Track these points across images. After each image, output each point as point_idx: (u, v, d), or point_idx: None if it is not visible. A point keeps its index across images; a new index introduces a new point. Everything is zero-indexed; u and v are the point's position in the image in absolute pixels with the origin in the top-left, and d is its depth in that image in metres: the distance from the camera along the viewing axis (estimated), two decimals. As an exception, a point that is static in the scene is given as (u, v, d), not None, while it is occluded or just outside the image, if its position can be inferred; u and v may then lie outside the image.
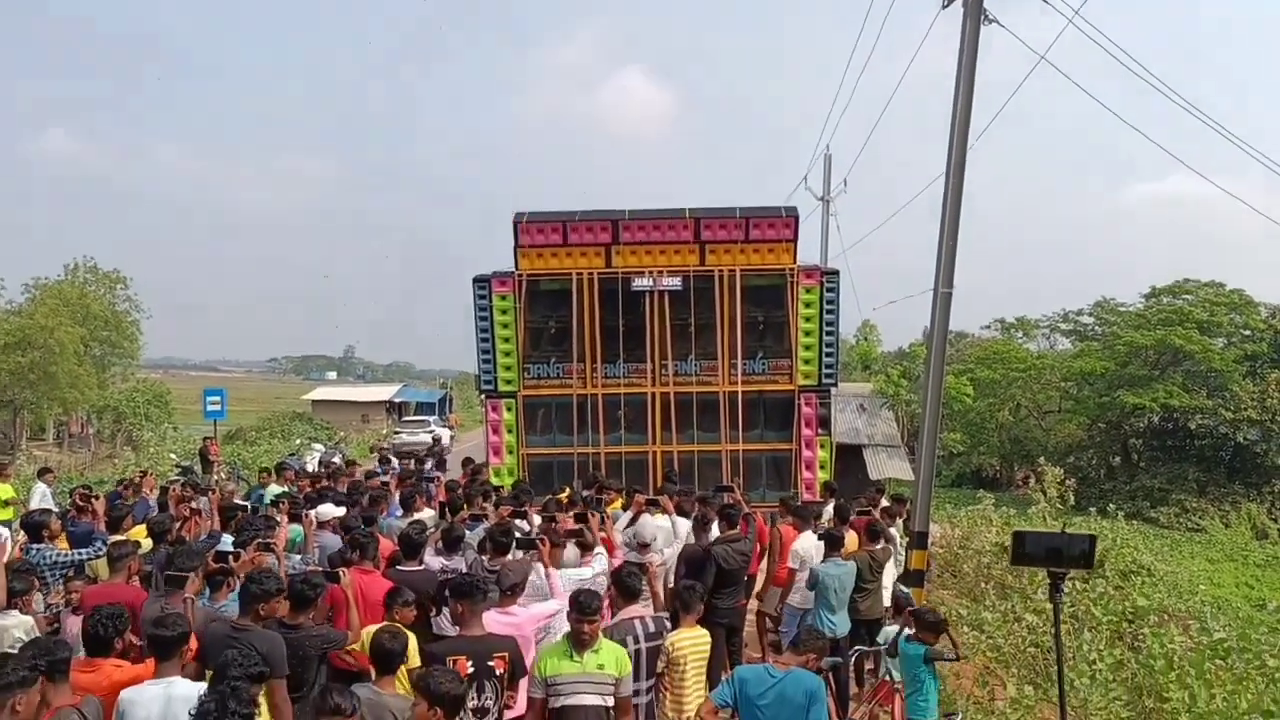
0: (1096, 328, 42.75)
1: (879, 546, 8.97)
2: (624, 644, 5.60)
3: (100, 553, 7.37)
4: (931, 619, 6.97)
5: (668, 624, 5.99)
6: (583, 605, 5.23)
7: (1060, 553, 4.55)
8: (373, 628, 5.46)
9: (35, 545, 7.60)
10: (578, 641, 5.22)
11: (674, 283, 13.74)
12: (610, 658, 5.26)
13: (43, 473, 15.03)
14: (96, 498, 9.55)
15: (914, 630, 7.05)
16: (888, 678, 7.94)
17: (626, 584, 5.92)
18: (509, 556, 6.72)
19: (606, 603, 6.26)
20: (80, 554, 7.59)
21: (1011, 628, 9.62)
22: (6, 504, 13.16)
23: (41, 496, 13.28)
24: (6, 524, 11.69)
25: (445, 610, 6.49)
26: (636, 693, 5.66)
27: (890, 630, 7.98)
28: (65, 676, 4.31)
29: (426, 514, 9.31)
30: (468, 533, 8.33)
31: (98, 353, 38.19)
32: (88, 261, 38.50)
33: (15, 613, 6.39)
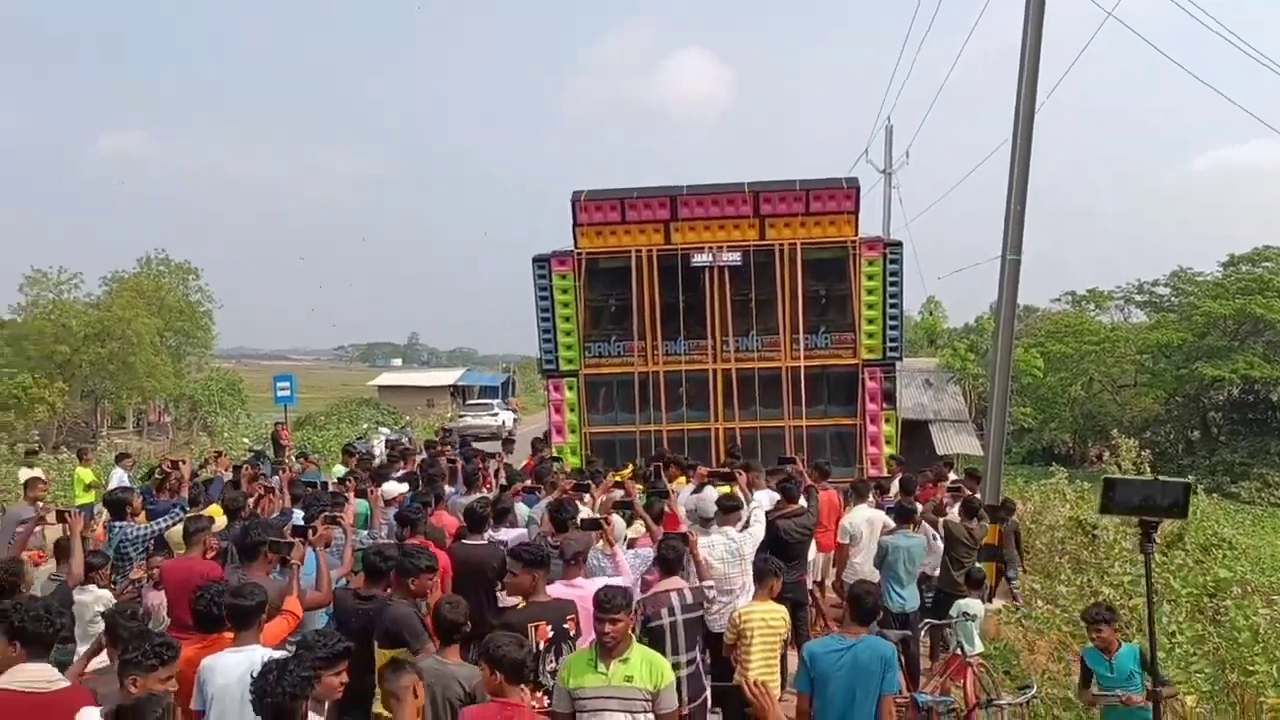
0: (1173, 299, 41.54)
1: (975, 523, 8.84)
2: (659, 616, 5.54)
3: (179, 518, 7.55)
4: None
5: (710, 594, 5.90)
6: (602, 601, 4.54)
7: (1153, 500, 4.35)
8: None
9: (118, 523, 7.80)
10: (602, 647, 4.56)
11: (734, 258, 13.60)
12: (642, 668, 4.53)
13: (121, 458, 15.47)
14: (184, 462, 9.80)
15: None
16: (959, 651, 7.80)
17: (664, 556, 5.88)
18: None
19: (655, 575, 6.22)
20: (159, 524, 7.77)
21: (1088, 601, 9.37)
22: (89, 487, 13.61)
23: (119, 480, 13.68)
24: (89, 506, 12.09)
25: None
26: (676, 666, 5.39)
27: (970, 604, 7.83)
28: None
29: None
30: (526, 509, 8.40)
31: (173, 343, 39.23)
32: (160, 254, 39.55)
33: (93, 587, 6.59)
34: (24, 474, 15.07)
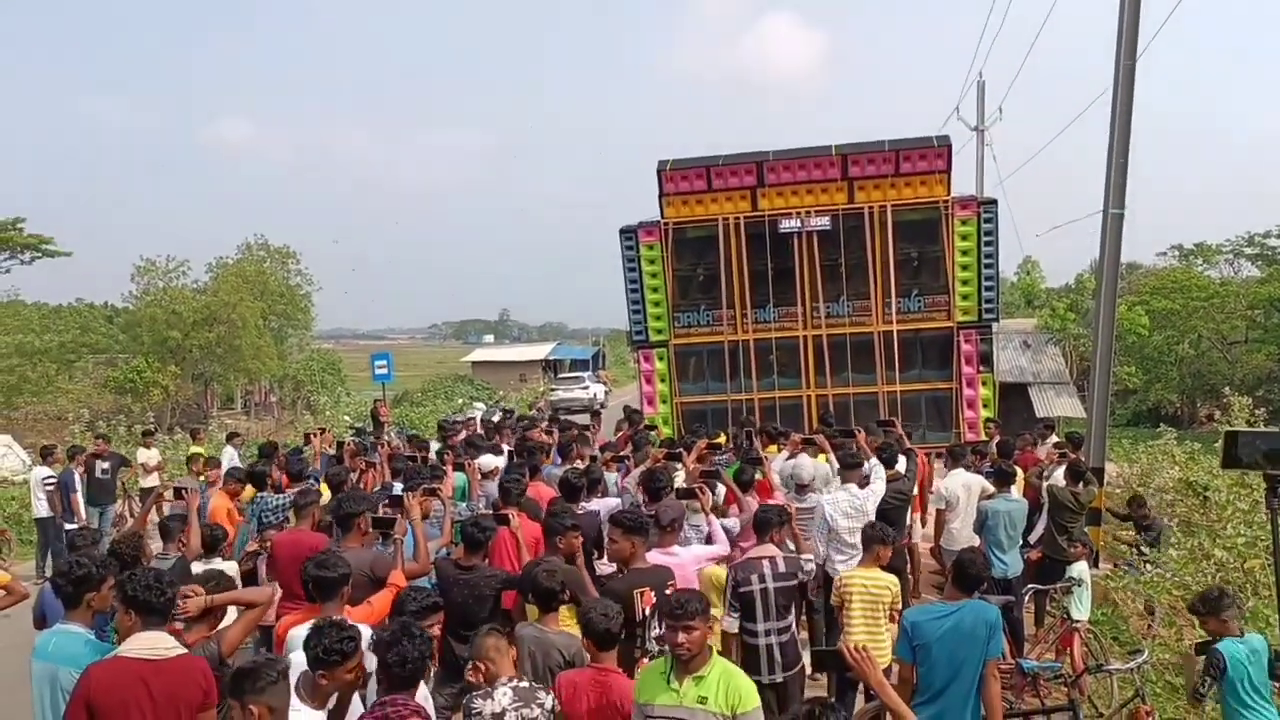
0: (1286, 250, 39.51)
1: (1081, 487, 8.63)
2: (748, 582, 5.54)
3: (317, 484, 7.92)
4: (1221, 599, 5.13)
5: (806, 565, 5.88)
6: (674, 608, 4.05)
7: (1278, 453, 4.17)
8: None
9: (261, 494, 8.15)
10: (677, 660, 4.08)
11: (822, 222, 13.44)
12: (718, 688, 4.02)
13: (231, 437, 16.13)
14: (324, 430, 10.20)
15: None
16: (1065, 617, 7.64)
17: (759, 520, 5.88)
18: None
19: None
20: (290, 495, 8.05)
21: (1200, 564, 9.05)
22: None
23: (230, 459, 14.25)
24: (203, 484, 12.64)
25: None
26: (767, 633, 5.51)
27: (1078, 569, 7.65)
28: None
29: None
30: (618, 477, 8.48)
31: (275, 325, 40.55)
32: (259, 240, 40.82)
33: (219, 559, 6.89)
34: (142, 454, 15.85)
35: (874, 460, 7.74)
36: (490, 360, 58.55)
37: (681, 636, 3.98)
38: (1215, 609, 5.05)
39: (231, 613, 5.03)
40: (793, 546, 6.34)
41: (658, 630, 5.14)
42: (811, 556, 6.14)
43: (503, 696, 4.08)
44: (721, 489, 7.49)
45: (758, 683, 5.49)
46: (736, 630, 5.59)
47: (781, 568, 5.63)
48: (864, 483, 7.54)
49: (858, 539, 7.29)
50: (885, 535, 6.08)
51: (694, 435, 10.23)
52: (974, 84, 27.72)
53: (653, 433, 11.80)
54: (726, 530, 6.64)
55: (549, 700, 4.14)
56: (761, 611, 5.53)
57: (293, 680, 3.78)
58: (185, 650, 4.06)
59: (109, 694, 3.82)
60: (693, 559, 5.99)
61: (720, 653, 5.69)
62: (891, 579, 6.05)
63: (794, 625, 5.75)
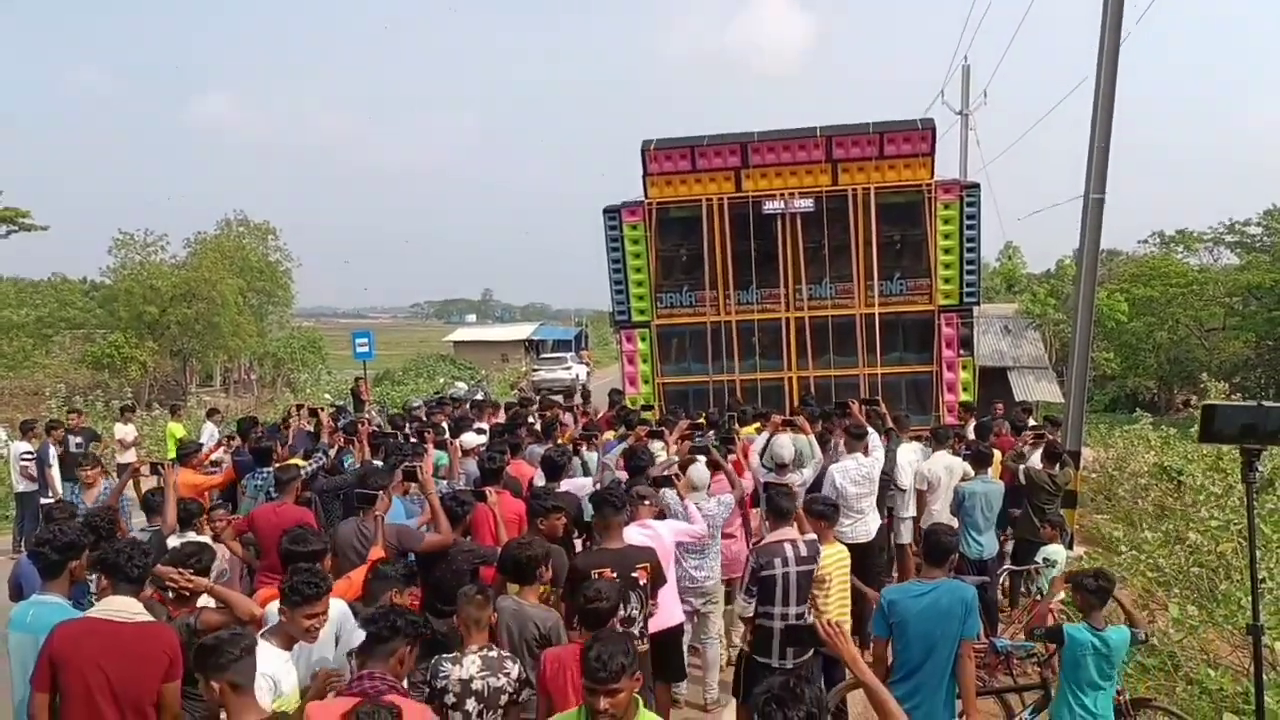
0: (1265, 238, 39.78)
1: (1058, 469, 8.72)
2: (771, 566, 5.58)
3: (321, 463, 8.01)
4: (1099, 585, 5.26)
5: (821, 548, 5.92)
6: (593, 669, 3.29)
7: (1255, 427, 4.21)
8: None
9: (262, 469, 8.11)
10: None
11: (806, 204, 13.43)
12: None
13: (211, 413, 16.07)
14: (322, 409, 10.19)
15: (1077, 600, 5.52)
16: (1038, 596, 7.73)
17: (777, 504, 5.87)
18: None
19: (758, 523, 6.31)
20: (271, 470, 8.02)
21: (1173, 548, 9.16)
22: (180, 441, 14.16)
23: (210, 435, 14.20)
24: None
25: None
26: (784, 617, 5.56)
27: (1052, 550, 7.74)
28: None
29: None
30: (595, 456, 8.48)
31: (255, 302, 40.25)
32: (239, 215, 40.45)
33: (192, 534, 6.85)
34: (119, 430, 15.77)
35: (871, 430, 7.93)
36: (472, 340, 58.40)
37: (604, 703, 3.28)
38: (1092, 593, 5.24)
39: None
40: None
41: (622, 612, 5.13)
42: (815, 536, 6.12)
43: (471, 664, 4.13)
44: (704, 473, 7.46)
45: (767, 665, 5.54)
46: (751, 615, 5.61)
47: (803, 551, 5.66)
48: (867, 452, 7.78)
49: (864, 504, 7.56)
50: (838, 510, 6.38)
51: (674, 415, 10.26)
52: (959, 68, 27.74)
53: (647, 413, 11.81)
54: (709, 515, 6.66)
55: (515, 669, 4.18)
56: (781, 595, 5.55)
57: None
58: (153, 620, 4.08)
59: (71, 650, 3.86)
60: (670, 532, 6.02)
61: (743, 636, 5.76)
62: (845, 550, 6.25)
63: (808, 610, 5.77)
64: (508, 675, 4.14)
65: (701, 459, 7.11)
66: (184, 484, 7.76)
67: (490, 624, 4.39)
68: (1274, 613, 7.35)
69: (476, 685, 4.09)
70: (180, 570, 4.52)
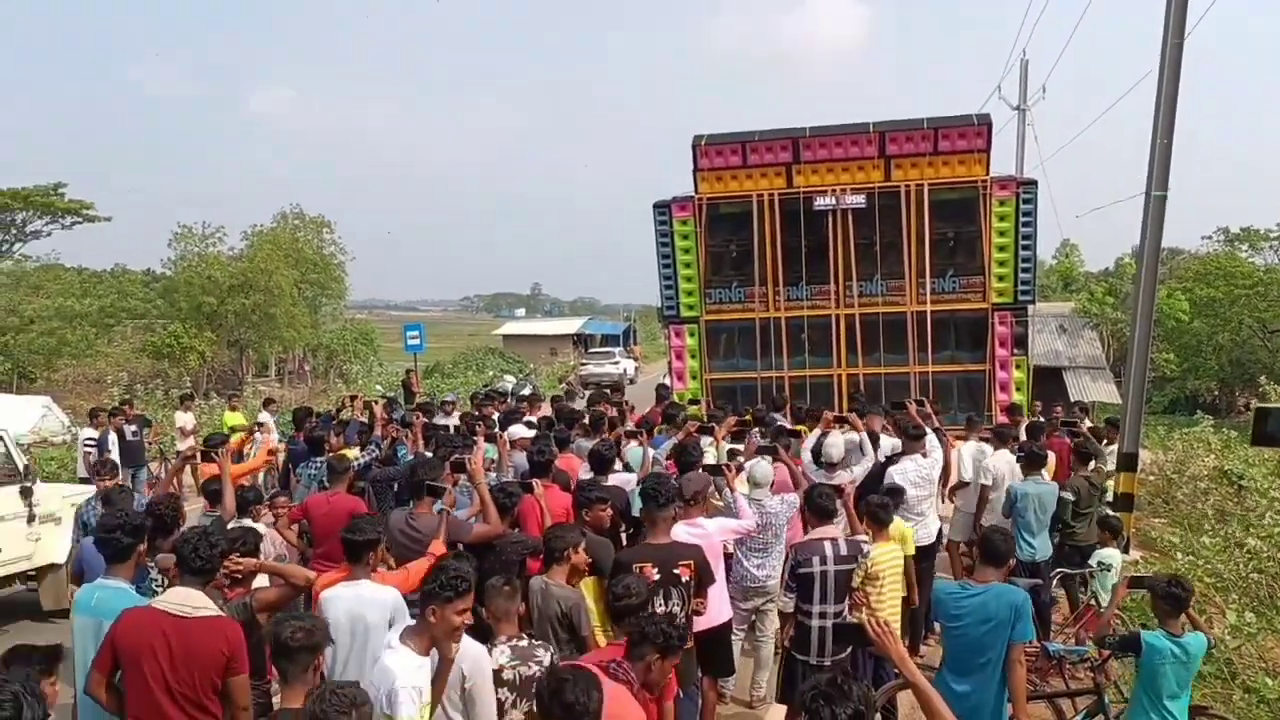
0: (1334, 237, 38.62)
1: (1091, 469, 8.55)
2: (809, 564, 5.54)
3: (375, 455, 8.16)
4: (1179, 592, 4.99)
5: (865, 547, 5.87)
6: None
7: None
8: None
9: (316, 459, 8.13)
10: None
11: (858, 200, 13.31)
12: None
13: (267, 403, 16.40)
14: (377, 402, 10.29)
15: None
16: (1093, 601, 7.60)
17: (818, 504, 5.86)
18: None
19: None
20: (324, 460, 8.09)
21: (1232, 553, 8.95)
22: (235, 431, 14.45)
23: (267, 422, 14.47)
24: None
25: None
26: (822, 615, 5.56)
27: (1107, 554, 7.60)
28: None
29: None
30: (640, 451, 8.48)
31: (309, 294, 40.83)
32: (295, 208, 41.04)
33: (248, 521, 6.99)
34: (179, 418, 16.13)
35: (929, 431, 7.88)
36: (521, 334, 58.78)
37: None
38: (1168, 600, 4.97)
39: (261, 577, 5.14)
40: (849, 528, 6.35)
41: (663, 607, 5.14)
42: (866, 536, 6.08)
43: (501, 654, 4.13)
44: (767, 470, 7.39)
45: (805, 663, 5.54)
46: (792, 610, 5.61)
47: (843, 550, 5.66)
48: (926, 453, 7.71)
49: (924, 507, 7.50)
50: (894, 509, 6.31)
51: (721, 410, 10.25)
52: (1017, 62, 27.30)
53: (694, 407, 11.81)
54: (772, 514, 6.61)
55: (547, 657, 4.19)
56: (819, 593, 5.56)
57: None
58: (216, 612, 4.11)
59: (132, 638, 3.93)
60: (718, 531, 6.00)
61: (785, 633, 5.76)
62: (899, 549, 6.17)
63: (847, 609, 5.74)
64: (539, 663, 4.14)
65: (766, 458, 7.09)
66: (208, 473, 7.83)
67: (520, 614, 4.42)
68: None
69: (507, 675, 4.09)
70: (231, 557, 4.60)
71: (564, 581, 4.90)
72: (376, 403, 9.35)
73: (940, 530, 8.25)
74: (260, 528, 7.02)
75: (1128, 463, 10.46)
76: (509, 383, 28.63)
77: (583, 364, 40.86)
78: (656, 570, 5.17)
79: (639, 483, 6.97)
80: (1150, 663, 4.84)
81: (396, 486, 7.74)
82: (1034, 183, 13.34)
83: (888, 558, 5.94)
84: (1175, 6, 9.90)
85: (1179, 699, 4.86)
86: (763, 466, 6.89)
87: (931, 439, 7.88)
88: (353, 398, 11.41)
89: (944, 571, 9.07)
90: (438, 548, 5.41)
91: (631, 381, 32.89)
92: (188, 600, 4.03)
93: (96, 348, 33.29)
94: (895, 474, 7.58)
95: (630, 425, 10.07)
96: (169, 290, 36.43)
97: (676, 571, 5.27)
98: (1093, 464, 8.82)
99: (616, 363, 39.21)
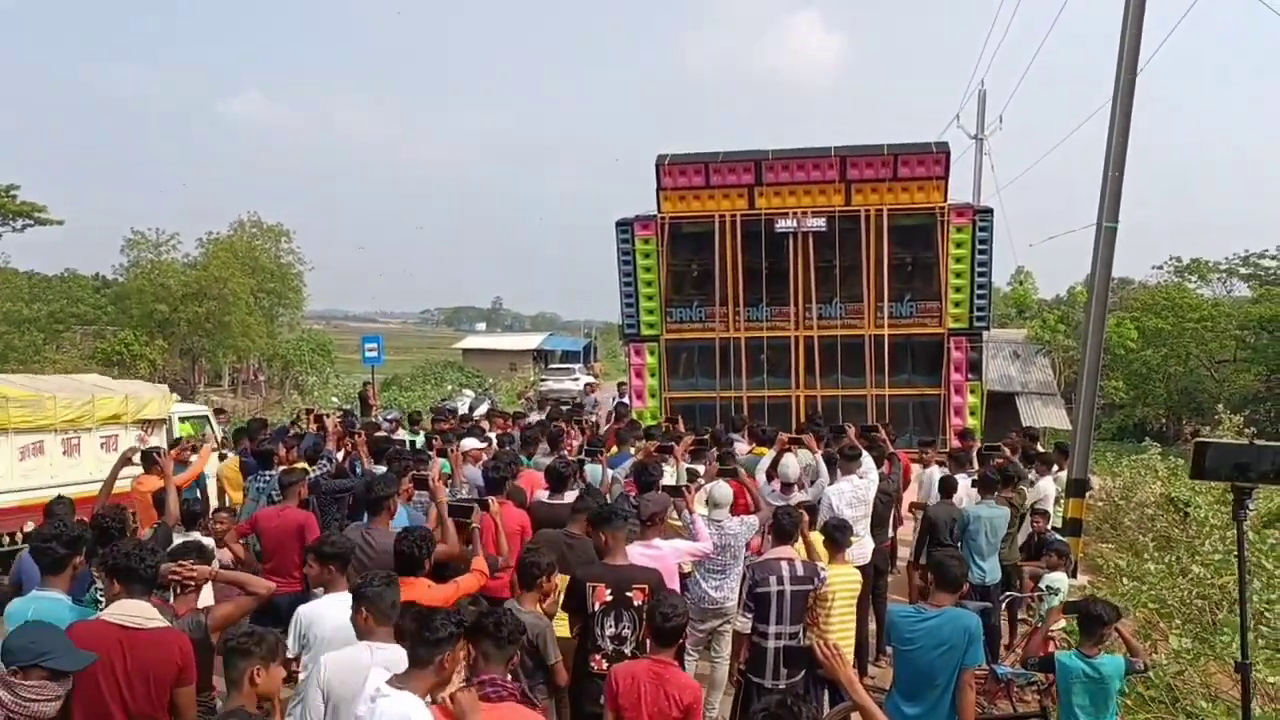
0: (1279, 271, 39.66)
1: (1011, 491, 8.64)
2: (766, 583, 5.57)
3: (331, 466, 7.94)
4: (1097, 613, 5.20)
5: (822, 572, 5.88)
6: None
7: (1247, 466, 4.18)
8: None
9: (266, 472, 7.83)
10: None
11: (818, 223, 13.46)
12: None
13: (217, 413, 16.10)
14: (327, 415, 9.89)
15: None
16: (1039, 623, 7.68)
17: (781, 525, 5.88)
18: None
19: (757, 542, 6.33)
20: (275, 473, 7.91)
21: (1176, 580, 9.11)
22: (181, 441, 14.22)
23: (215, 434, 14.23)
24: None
25: None
26: (778, 636, 5.57)
27: (1055, 578, 7.69)
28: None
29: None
30: (611, 471, 8.48)
31: (266, 303, 40.37)
32: (252, 216, 40.63)
33: (197, 534, 6.87)
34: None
35: (865, 453, 7.92)
36: (481, 348, 58.56)
37: None
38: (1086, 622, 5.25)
39: (207, 593, 5.04)
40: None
41: (613, 629, 5.12)
42: (822, 565, 6.08)
43: (456, 681, 4.07)
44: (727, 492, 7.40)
45: (760, 685, 5.54)
46: (749, 631, 5.62)
47: (800, 571, 5.66)
48: (862, 475, 7.76)
49: (860, 527, 7.53)
50: (853, 532, 6.37)
51: (674, 425, 10.29)
52: (975, 93, 27.79)
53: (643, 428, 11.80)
54: (732, 535, 6.61)
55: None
56: (775, 614, 5.55)
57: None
58: (167, 624, 4.05)
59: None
60: (673, 553, 5.98)
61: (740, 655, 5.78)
62: (857, 573, 6.21)
63: (802, 631, 5.76)
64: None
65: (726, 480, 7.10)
66: (147, 485, 7.61)
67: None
68: (1271, 644, 7.32)
69: None
70: (181, 562, 4.53)
71: (534, 608, 4.85)
72: (329, 415, 9.11)
73: (881, 550, 8.28)
74: (208, 542, 6.91)
75: (1077, 489, 10.64)
76: (467, 397, 28.46)
77: (542, 380, 40.77)
78: (609, 591, 5.15)
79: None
80: (1063, 682, 5.13)
81: (342, 499, 7.66)
82: (990, 211, 13.58)
83: (840, 580, 5.98)
84: (1129, 43, 10.16)
85: (1098, 719, 5.09)
86: (722, 488, 6.90)
87: (867, 460, 7.91)
88: (308, 411, 11.25)
89: (899, 593, 9.16)
90: (482, 565, 5.36)
91: (587, 397, 32.83)
92: (140, 612, 3.97)
93: (44, 354, 32.63)
94: (832, 494, 7.57)
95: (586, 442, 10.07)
96: (120, 297, 35.88)
97: (629, 594, 5.24)
98: (1012, 489, 8.92)
99: (576, 379, 39.18)
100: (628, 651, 5.16)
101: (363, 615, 4.02)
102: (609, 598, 5.12)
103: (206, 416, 13.95)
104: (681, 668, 4.41)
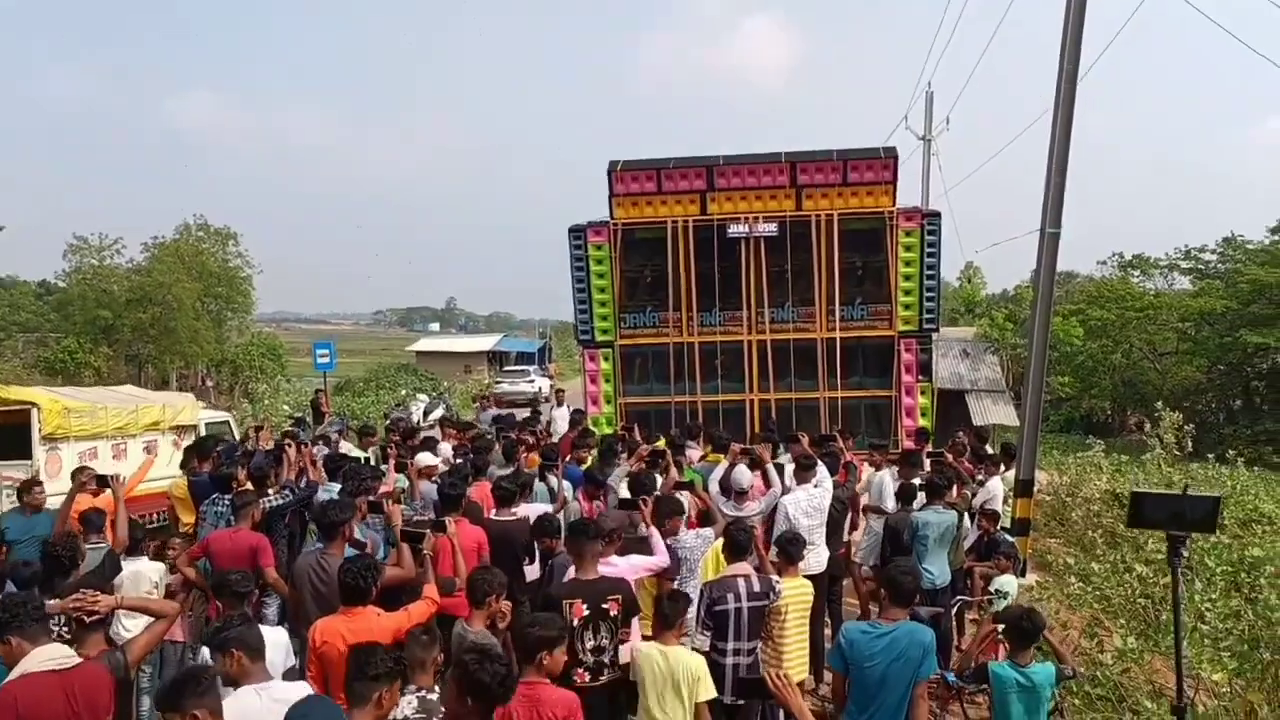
0: (1220, 265, 40.65)
1: (956, 495, 8.78)
2: (724, 600, 5.61)
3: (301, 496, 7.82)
4: (1028, 625, 5.40)
5: (778, 586, 5.91)
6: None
7: (1182, 515, 4.34)
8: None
9: (225, 497, 7.39)
10: None
11: (770, 229, 13.56)
12: None
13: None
14: (290, 444, 9.32)
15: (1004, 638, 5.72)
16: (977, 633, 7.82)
17: (735, 540, 5.88)
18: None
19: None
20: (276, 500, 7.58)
21: (1121, 578, 9.34)
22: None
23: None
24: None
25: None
26: (735, 653, 5.62)
27: (1004, 581, 7.84)
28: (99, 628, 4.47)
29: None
30: (555, 483, 8.45)
31: (214, 308, 39.72)
32: (199, 220, 39.93)
33: (144, 559, 6.77)
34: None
35: (820, 462, 8.01)
36: (435, 350, 58.15)
37: None
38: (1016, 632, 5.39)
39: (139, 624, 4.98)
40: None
41: (593, 641, 5.19)
42: (777, 578, 6.11)
43: (407, 705, 4.07)
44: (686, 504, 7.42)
45: (718, 701, 5.58)
46: (708, 649, 5.64)
47: (756, 587, 5.68)
48: (816, 484, 7.84)
49: (815, 536, 7.60)
50: (804, 544, 6.38)
51: (628, 431, 10.31)
52: (922, 94, 28.16)
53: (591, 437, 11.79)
54: (688, 549, 6.64)
55: None
56: (733, 631, 5.59)
57: None
58: (85, 660, 4.03)
59: (39, 708, 3.79)
60: (629, 569, 6.01)
61: None
62: (809, 585, 6.28)
63: (759, 647, 5.81)
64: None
65: (685, 493, 7.15)
66: (84, 504, 7.38)
67: (436, 666, 4.38)
68: (1212, 643, 7.53)
69: None
70: (83, 591, 4.39)
71: (483, 627, 4.88)
72: (290, 445, 8.71)
73: (836, 559, 8.38)
74: (159, 566, 6.82)
75: (1024, 489, 10.85)
76: (420, 403, 28.22)
77: (497, 382, 40.55)
78: (586, 606, 5.21)
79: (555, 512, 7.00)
80: (999, 692, 5.25)
81: (287, 514, 7.58)
82: (938, 214, 13.78)
83: (794, 593, 6.04)
84: (1069, 58, 10.36)
85: None
86: (743, 470, 6.97)
87: (822, 469, 7.97)
88: (258, 429, 11.09)
89: (851, 596, 9.26)
90: (433, 592, 5.33)
91: (547, 400, 32.70)
92: (57, 654, 3.94)
93: (-15, 363, 31.85)
94: (788, 503, 7.66)
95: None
96: (63, 303, 35.16)
97: (605, 606, 5.31)
98: (958, 489, 9.06)
99: (532, 381, 39.04)
100: (607, 661, 5.23)
101: (234, 659, 3.85)
102: (586, 612, 5.20)
103: (228, 422, 14.77)
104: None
